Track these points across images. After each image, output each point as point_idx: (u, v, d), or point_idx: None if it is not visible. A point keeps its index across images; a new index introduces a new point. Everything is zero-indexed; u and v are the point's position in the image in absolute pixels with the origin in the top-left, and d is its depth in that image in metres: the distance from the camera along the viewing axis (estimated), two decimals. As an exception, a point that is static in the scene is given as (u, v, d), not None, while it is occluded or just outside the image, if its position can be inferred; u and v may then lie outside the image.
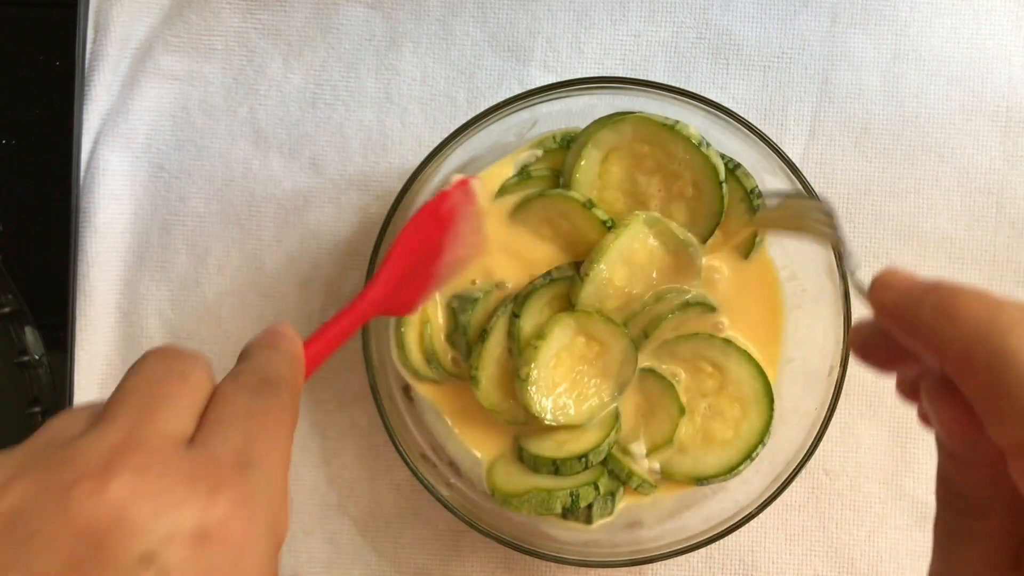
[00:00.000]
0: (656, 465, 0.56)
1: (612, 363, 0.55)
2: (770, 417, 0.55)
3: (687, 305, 0.55)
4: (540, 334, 0.54)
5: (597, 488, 0.55)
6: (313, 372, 0.41)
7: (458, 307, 0.56)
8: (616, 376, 0.55)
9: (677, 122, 0.53)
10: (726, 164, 0.54)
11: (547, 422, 0.55)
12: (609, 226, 0.54)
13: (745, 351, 0.55)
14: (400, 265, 0.50)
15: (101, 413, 0.30)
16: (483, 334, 0.56)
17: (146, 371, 0.32)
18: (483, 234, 0.56)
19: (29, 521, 0.26)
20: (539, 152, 0.57)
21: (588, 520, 0.56)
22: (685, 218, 0.55)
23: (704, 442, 0.56)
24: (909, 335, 0.30)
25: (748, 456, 0.55)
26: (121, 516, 0.26)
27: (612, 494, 0.56)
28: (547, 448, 0.56)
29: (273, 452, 0.31)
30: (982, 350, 0.27)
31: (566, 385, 0.55)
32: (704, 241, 0.55)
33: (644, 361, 0.56)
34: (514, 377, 0.55)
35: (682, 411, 0.55)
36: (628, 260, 0.55)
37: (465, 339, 0.56)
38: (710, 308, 0.55)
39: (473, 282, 0.57)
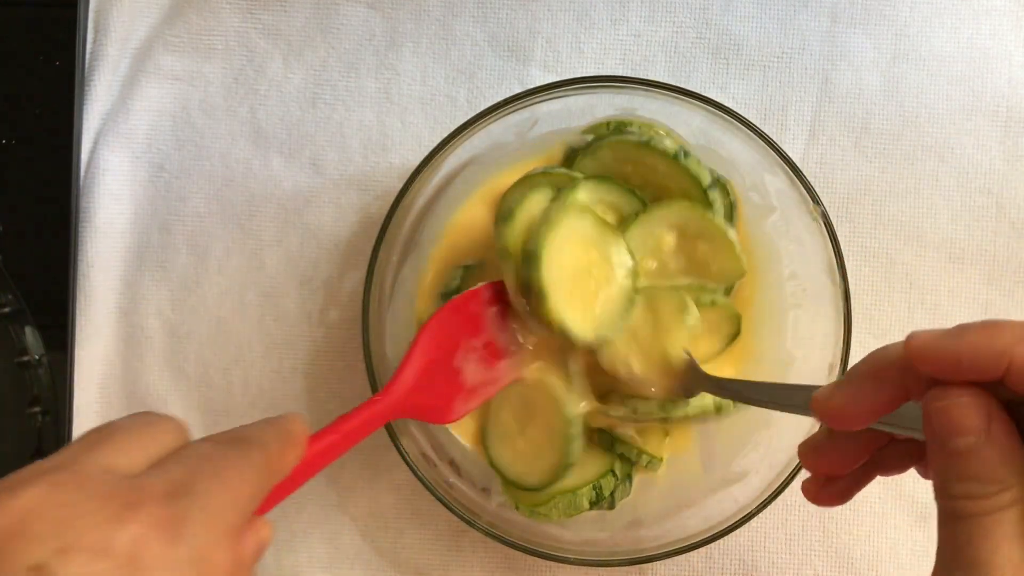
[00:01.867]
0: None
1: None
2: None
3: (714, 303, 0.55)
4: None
5: (616, 475, 0.55)
6: (318, 469, 0.38)
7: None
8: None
9: (651, 138, 0.53)
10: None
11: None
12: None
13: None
14: (422, 361, 0.47)
15: None
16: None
17: (113, 421, 0.31)
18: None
19: None
20: (589, 137, 0.57)
21: (611, 506, 0.56)
22: None
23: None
24: (945, 370, 0.32)
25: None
26: (23, 525, 0.25)
27: (628, 476, 0.57)
28: None
29: (218, 490, 0.29)
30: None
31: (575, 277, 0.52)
32: None
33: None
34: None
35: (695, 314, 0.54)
36: (676, 226, 0.54)
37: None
38: (734, 317, 0.55)
39: None
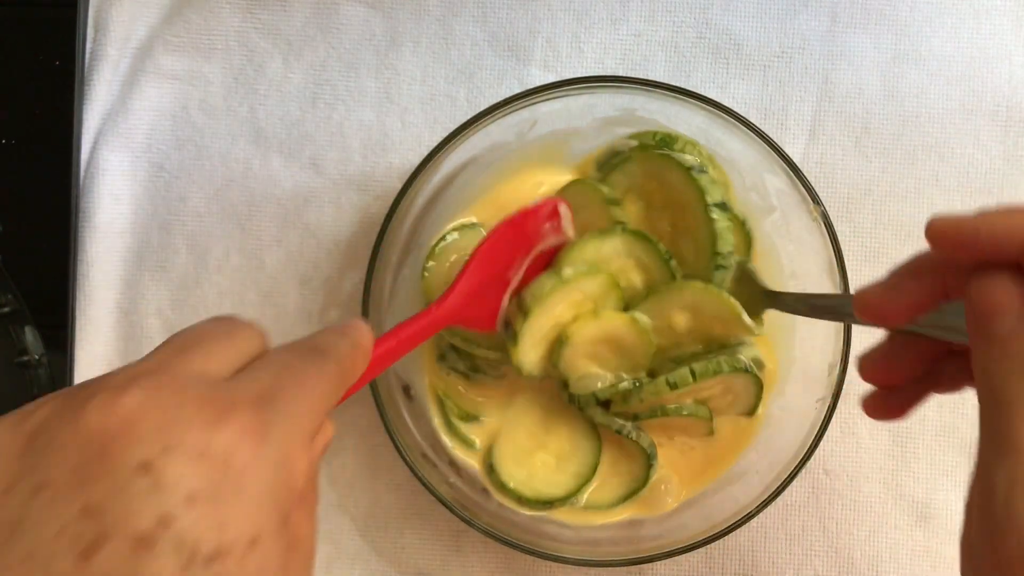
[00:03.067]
0: None
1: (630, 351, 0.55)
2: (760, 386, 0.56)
3: (736, 370, 0.54)
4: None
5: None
6: (380, 371, 0.42)
7: None
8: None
9: (672, 150, 0.54)
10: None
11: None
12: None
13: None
14: (478, 276, 0.49)
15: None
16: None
17: (195, 326, 0.33)
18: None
19: (46, 432, 0.27)
20: (634, 143, 0.56)
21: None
22: (692, 253, 0.55)
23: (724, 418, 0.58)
24: (970, 251, 0.34)
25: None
26: (127, 426, 0.27)
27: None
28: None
29: (300, 399, 0.31)
30: None
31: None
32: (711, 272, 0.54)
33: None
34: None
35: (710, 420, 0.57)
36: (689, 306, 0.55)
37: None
38: (756, 381, 0.56)
39: None
